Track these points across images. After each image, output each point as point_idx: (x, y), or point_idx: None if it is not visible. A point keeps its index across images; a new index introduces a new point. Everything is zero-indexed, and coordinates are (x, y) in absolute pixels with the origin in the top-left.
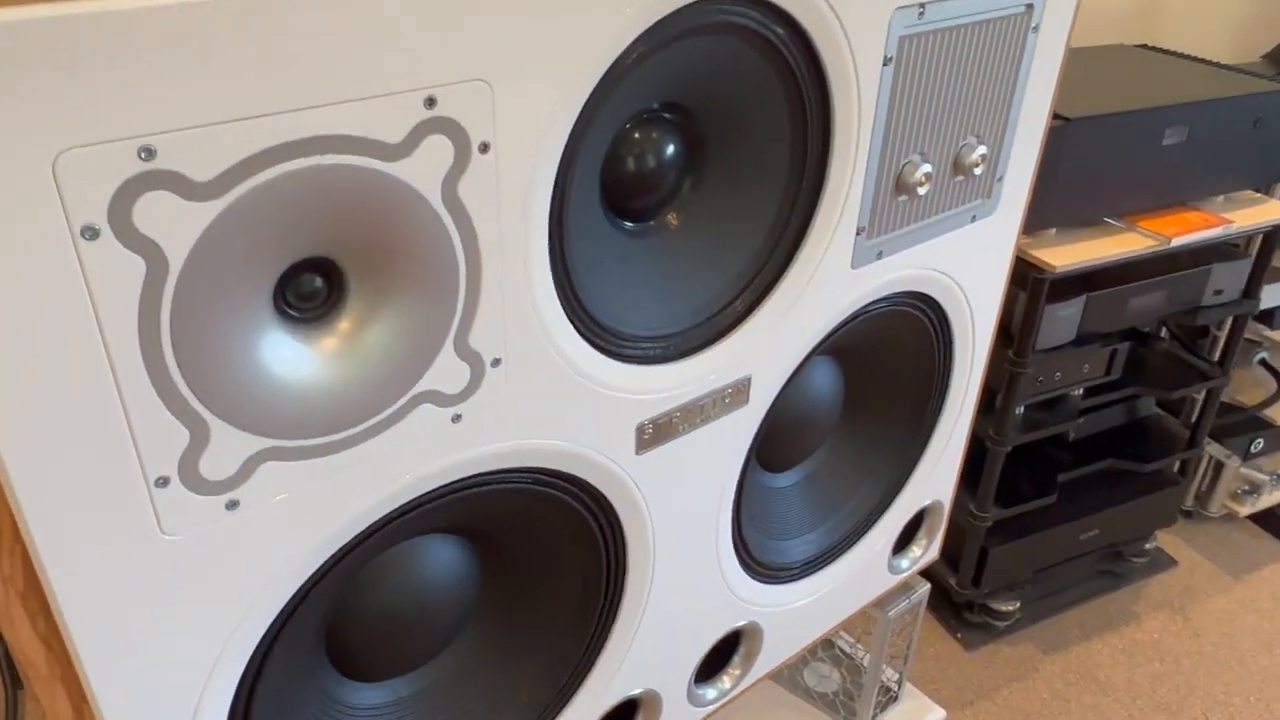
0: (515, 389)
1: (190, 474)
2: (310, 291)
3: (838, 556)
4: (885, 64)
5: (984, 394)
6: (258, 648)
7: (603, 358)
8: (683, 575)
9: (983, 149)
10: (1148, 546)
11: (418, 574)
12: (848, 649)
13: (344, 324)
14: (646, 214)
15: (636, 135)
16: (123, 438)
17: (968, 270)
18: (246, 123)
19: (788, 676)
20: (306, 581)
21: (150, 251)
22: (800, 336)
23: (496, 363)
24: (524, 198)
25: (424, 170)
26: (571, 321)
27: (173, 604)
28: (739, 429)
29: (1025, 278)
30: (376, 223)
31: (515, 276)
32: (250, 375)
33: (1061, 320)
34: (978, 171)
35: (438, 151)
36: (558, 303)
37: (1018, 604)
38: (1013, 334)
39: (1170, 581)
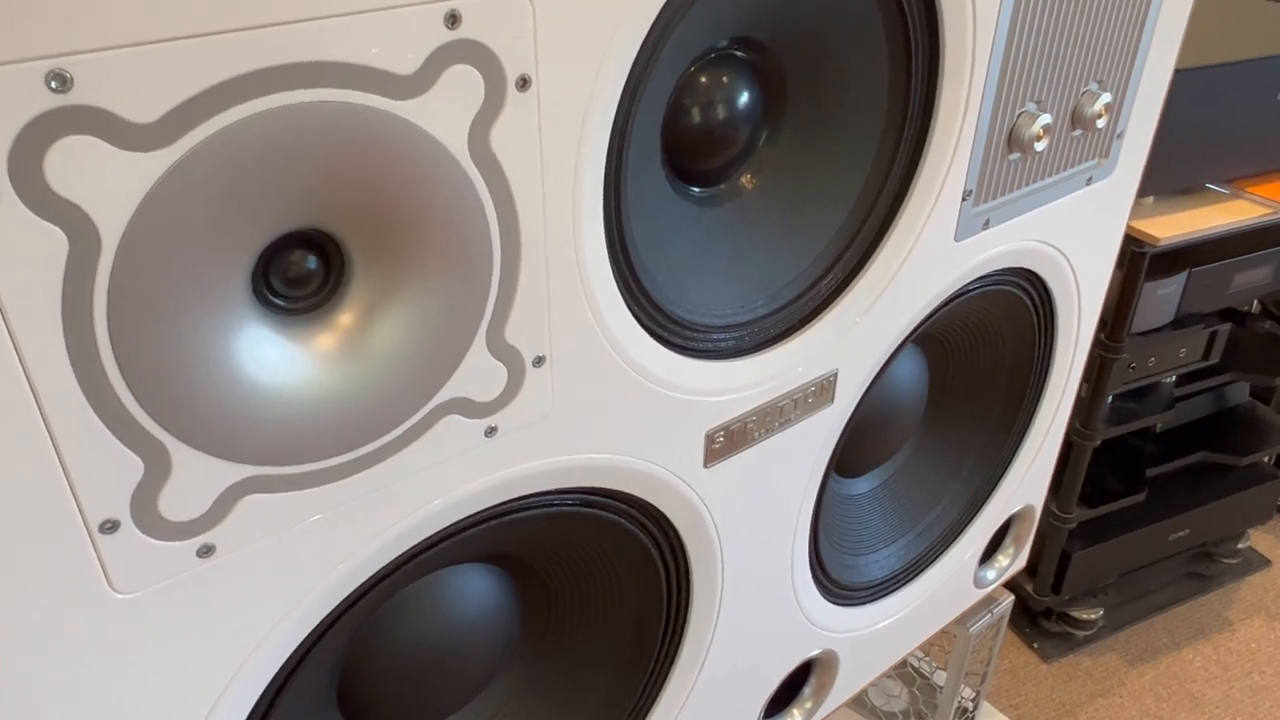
0: (562, 393)
1: (147, 514)
2: (302, 275)
3: (921, 571)
4: None
5: None
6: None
7: (668, 353)
8: (754, 604)
9: (1107, 97)
10: (1240, 546)
11: (445, 610)
12: (917, 664)
13: (346, 317)
14: (716, 176)
15: (703, 80)
16: (50, 472)
17: (1078, 242)
18: (202, 41)
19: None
20: (307, 638)
21: (73, 221)
22: (894, 322)
23: (539, 361)
24: (574, 149)
25: (445, 112)
26: (631, 309)
27: (135, 679)
28: (821, 433)
29: (1122, 252)
30: (384, 183)
31: (563, 252)
32: (222, 385)
33: (1160, 300)
34: (1100, 124)
35: (463, 87)
36: (615, 286)
37: (1100, 611)
38: (1105, 317)
39: (1264, 584)
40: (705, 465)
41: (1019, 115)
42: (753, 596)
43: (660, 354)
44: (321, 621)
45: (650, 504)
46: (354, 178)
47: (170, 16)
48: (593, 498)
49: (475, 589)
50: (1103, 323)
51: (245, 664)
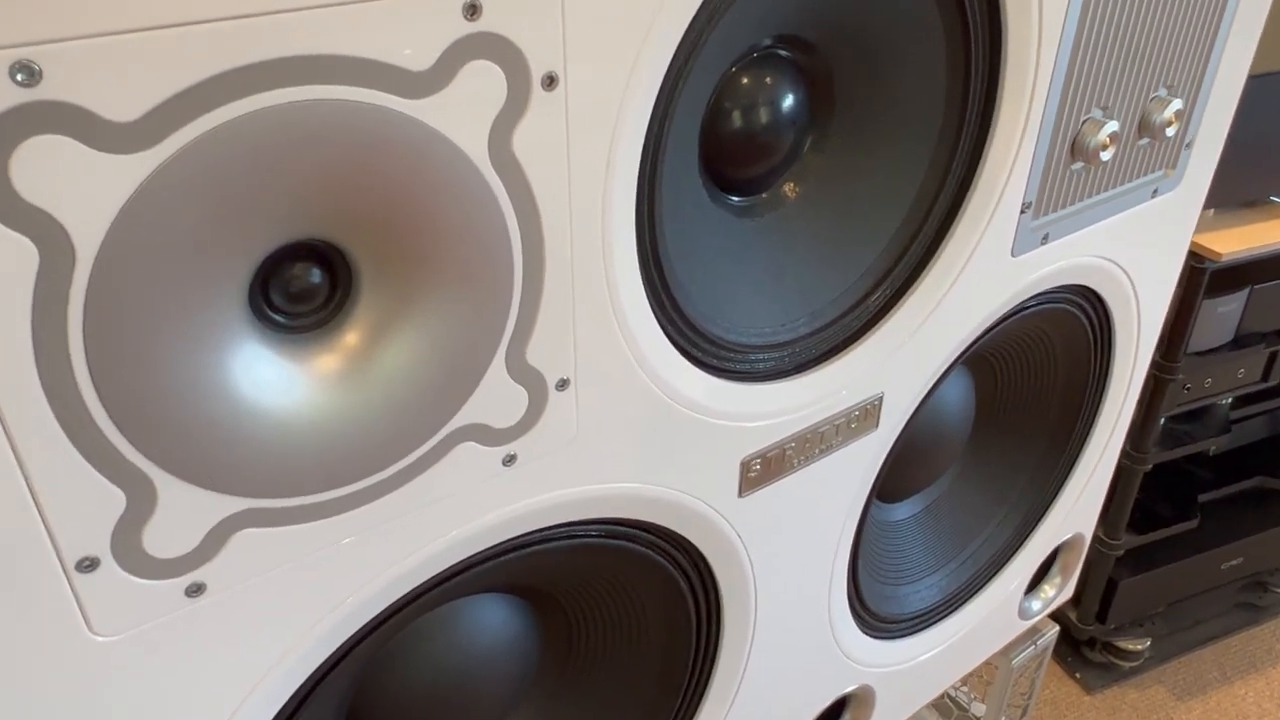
0: (587, 419)
1: (129, 551)
2: (305, 290)
3: (963, 603)
4: None
5: None
6: None
7: (702, 374)
8: (787, 639)
9: (1177, 104)
10: None
11: (462, 640)
12: (955, 695)
13: (352, 336)
14: (757, 185)
15: (746, 81)
16: (21, 504)
17: (1140, 259)
18: (189, 31)
19: None
20: (309, 678)
21: (44, 230)
22: (945, 342)
23: (563, 384)
24: (605, 154)
25: (463, 112)
26: (663, 328)
27: None
28: (864, 460)
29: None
30: (394, 190)
31: (591, 266)
32: (213, 411)
33: (1220, 318)
34: (1170, 132)
35: (483, 85)
36: (646, 303)
37: (1147, 641)
38: (1160, 334)
39: None
40: (740, 494)
41: (1084, 122)
42: (787, 631)
43: (694, 376)
44: (325, 661)
45: (680, 535)
46: (361, 184)
47: (153, 3)
48: (619, 528)
49: (494, 619)
50: (1159, 340)
51: (239, 709)
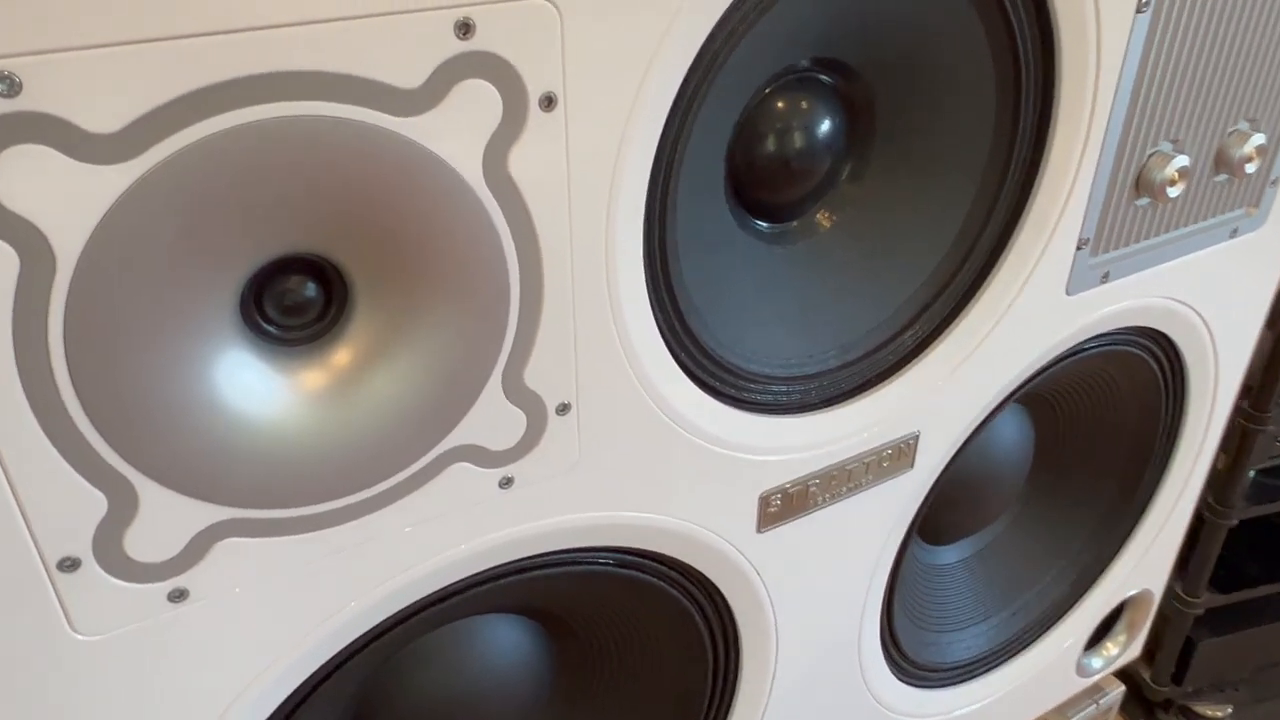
0: (591, 445)
1: (111, 554)
2: (298, 303)
3: (1014, 655)
4: (1140, 10)
5: None
6: None
7: (717, 404)
8: (814, 679)
9: (1259, 139)
10: None
11: (469, 660)
12: None
13: (344, 350)
14: (789, 212)
15: (779, 104)
16: (3, 504)
17: (1217, 302)
18: (172, 45)
19: None
20: (298, 690)
21: (25, 238)
22: (991, 382)
23: (564, 409)
24: (608, 178)
25: (456, 131)
26: (674, 355)
27: None
28: (898, 501)
29: (1273, 309)
30: (385, 207)
31: (592, 291)
32: (197, 420)
33: None
34: (1250, 169)
35: (477, 105)
36: (655, 329)
37: (1229, 709)
38: (1249, 382)
39: None
40: (758, 530)
41: (1150, 155)
42: (813, 674)
43: (708, 406)
44: (316, 673)
45: (694, 568)
46: (351, 200)
47: (135, 18)
48: (630, 558)
49: (505, 640)
50: (1246, 389)
51: (223, 716)
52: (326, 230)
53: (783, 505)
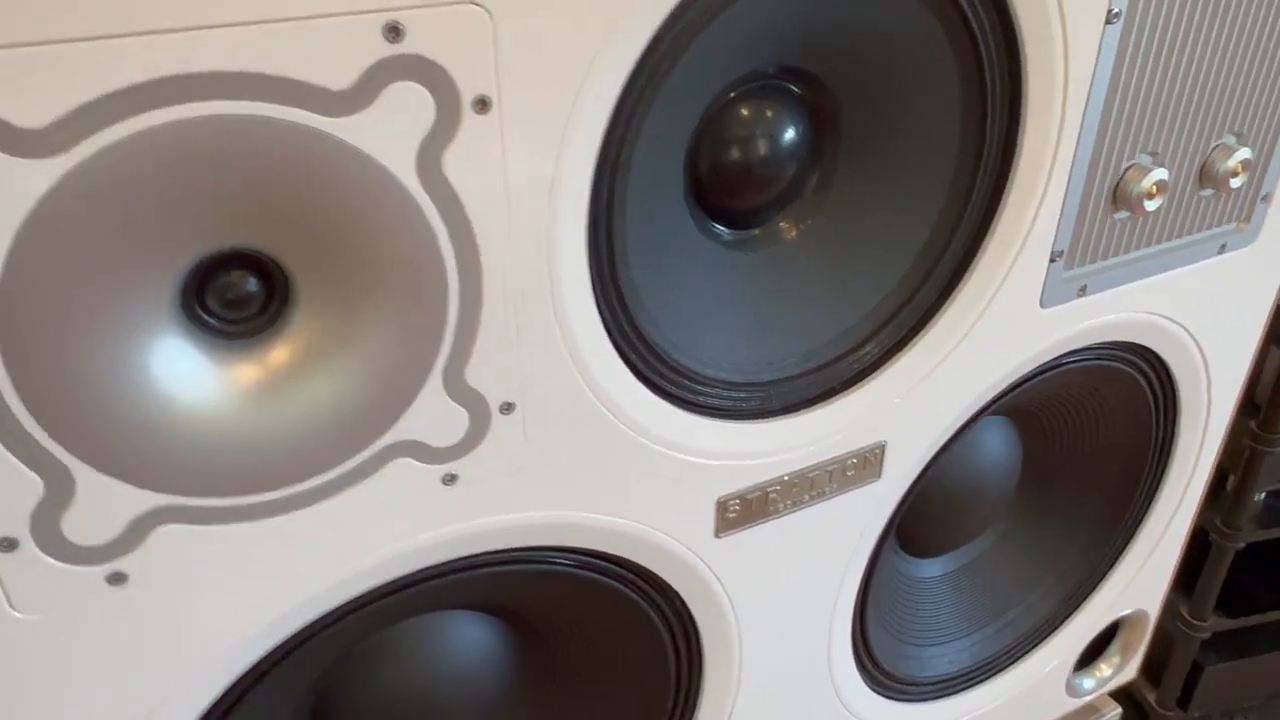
0: (538, 445)
1: (48, 535)
2: (240, 297)
3: (998, 672)
4: (1110, 20)
5: (1213, 474)
6: None
7: (671, 408)
8: (782, 690)
9: (1246, 154)
10: None
11: (430, 656)
12: None
13: (283, 344)
14: (753, 219)
15: (742, 111)
16: None
17: (1208, 319)
18: (102, 44)
19: None
20: (244, 677)
21: None
22: (961, 394)
23: (508, 408)
24: (548, 181)
25: (388, 132)
26: (624, 358)
27: (40, 706)
28: (867, 510)
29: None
30: (320, 205)
31: (534, 293)
32: (133, 408)
33: None
34: (1235, 184)
35: (409, 106)
36: (603, 331)
37: None
38: (1258, 402)
39: None
40: (717, 535)
41: (1127, 168)
42: (780, 682)
43: (661, 409)
44: (261, 660)
45: (652, 572)
46: (285, 198)
47: (63, 17)
48: (584, 559)
49: (467, 639)
50: (1255, 408)
51: (165, 699)
52: (263, 227)
53: (742, 511)
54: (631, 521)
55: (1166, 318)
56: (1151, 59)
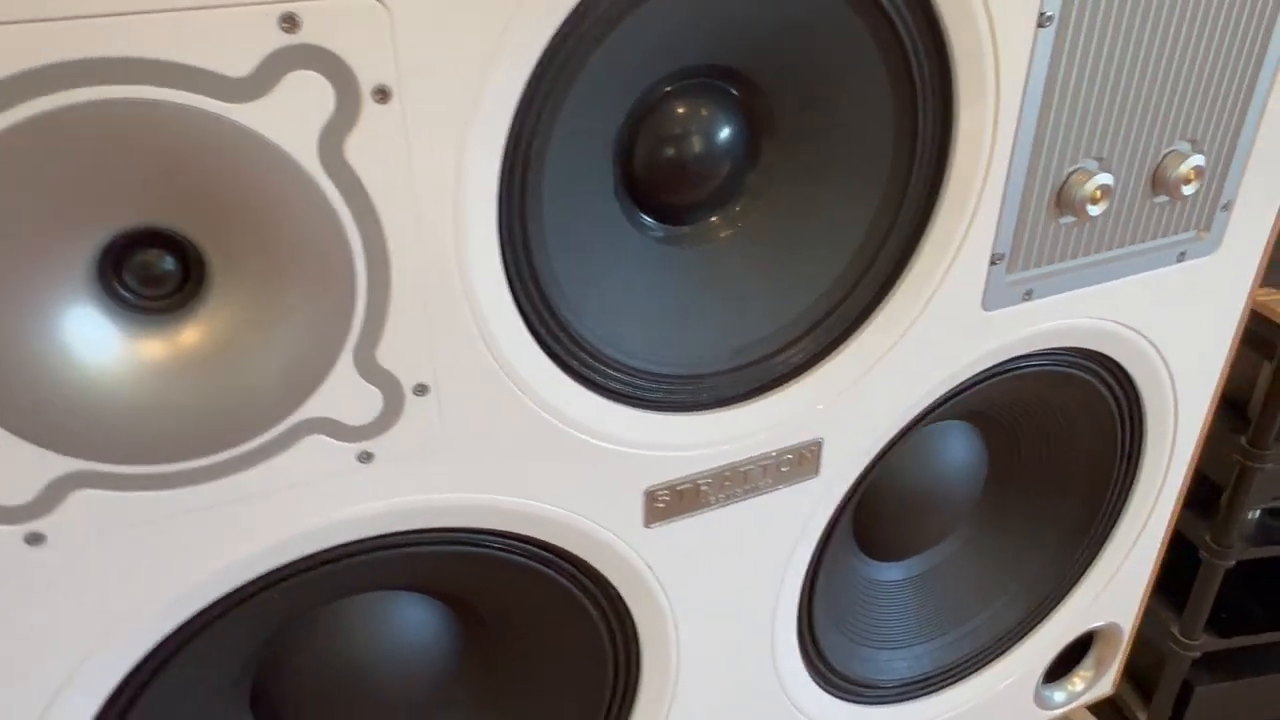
0: (455, 427)
1: None
2: (155, 275)
3: (961, 679)
4: (1042, 24)
5: (1204, 490)
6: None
7: (594, 396)
8: (725, 686)
9: (1197, 160)
10: None
11: (370, 635)
12: None
13: (196, 321)
14: (688, 214)
15: (676, 109)
16: None
17: (1170, 328)
18: (6, 30)
19: None
20: (166, 643)
21: None
22: (901, 394)
23: (421, 390)
24: (453, 170)
25: (288, 119)
26: (543, 345)
27: None
28: (807, 507)
29: (1269, 341)
30: (226, 188)
31: (443, 278)
32: (45, 375)
33: None
34: (1188, 190)
35: (309, 95)
36: (518, 318)
37: None
38: (1250, 416)
39: None
40: (647, 525)
41: (1071, 172)
42: (722, 678)
43: (583, 397)
44: (183, 627)
45: (583, 560)
46: (193, 180)
47: None
48: (511, 542)
49: (410, 621)
50: (1245, 422)
51: (86, 660)
52: (174, 208)
53: (672, 502)
54: (555, 507)
55: (1125, 325)
56: (1090, 64)
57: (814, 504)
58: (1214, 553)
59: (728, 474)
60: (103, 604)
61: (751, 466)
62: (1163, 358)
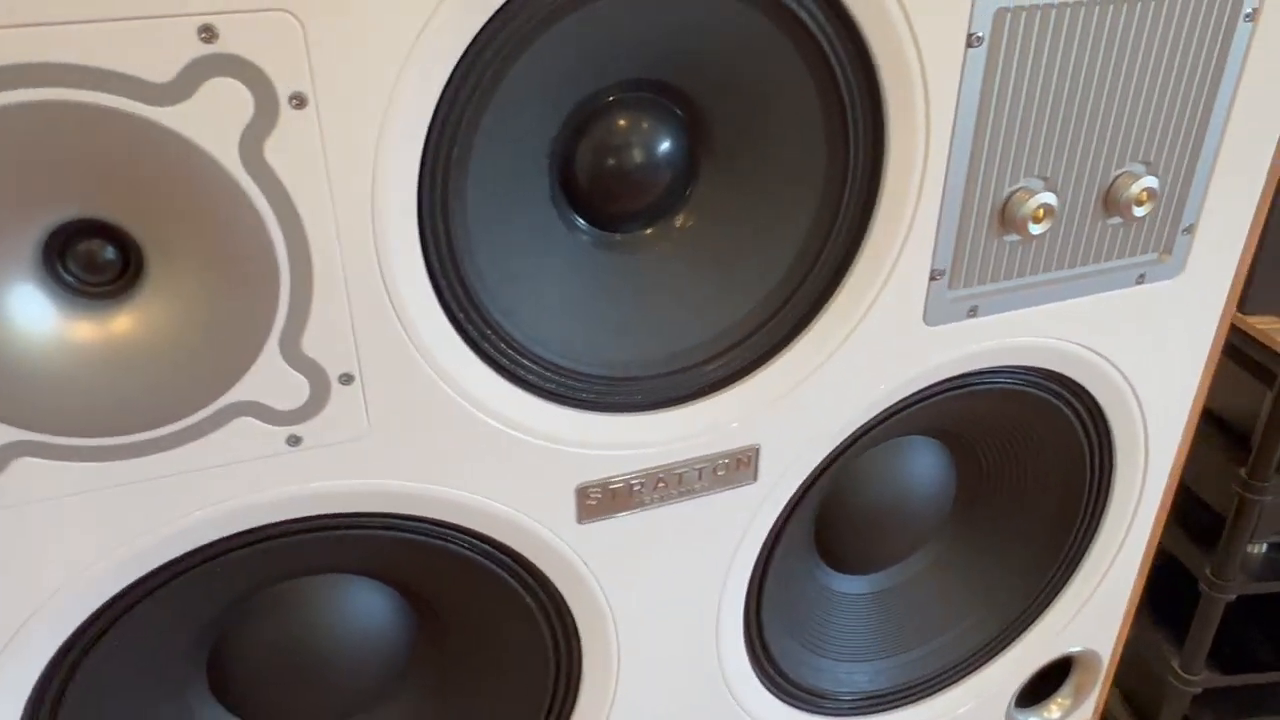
0: (382, 416)
1: None
2: (95, 263)
3: (921, 697)
4: (972, 45)
5: (1207, 520)
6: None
7: (522, 393)
8: (670, 689)
9: (1150, 182)
10: None
11: (320, 616)
12: None
13: (135, 302)
14: (627, 222)
15: (615, 120)
16: None
17: (1136, 352)
18: None
19: None
20: (106, 609)
21: None
22: (844, 405)
23: (347, 379)
24: (369, 172)
25: (210, 122)
26: (469, 342)
27: None
28: (747, 512)
29: (1273, 374)
30: (159, 186)
31: (364, 274)
32: None
33: None
34: (1139, 212)
35: (229, 100)
36: (442, 315)
37: None
38: (1252, 444)
39: None
40: (580, 521)
41: (1014, 191)
42: (666, 680)
43: (511, 394)
44: (121, 596)
45: (519, 553)
46: (126, 177)
47: None
48: (445, 531)
49: (361, 606)
50: (1245, 454)
51: (26, 623)
52: (110, 202)
53: (604, 500)
54: (487, 499)
55: (1086, 347)
56: (1028, 84)
57: (754, 510)
58: (1214, 585)
59: (661, 475)
60: (42, 570)
61: (686, 469)
62: (1129, 383)
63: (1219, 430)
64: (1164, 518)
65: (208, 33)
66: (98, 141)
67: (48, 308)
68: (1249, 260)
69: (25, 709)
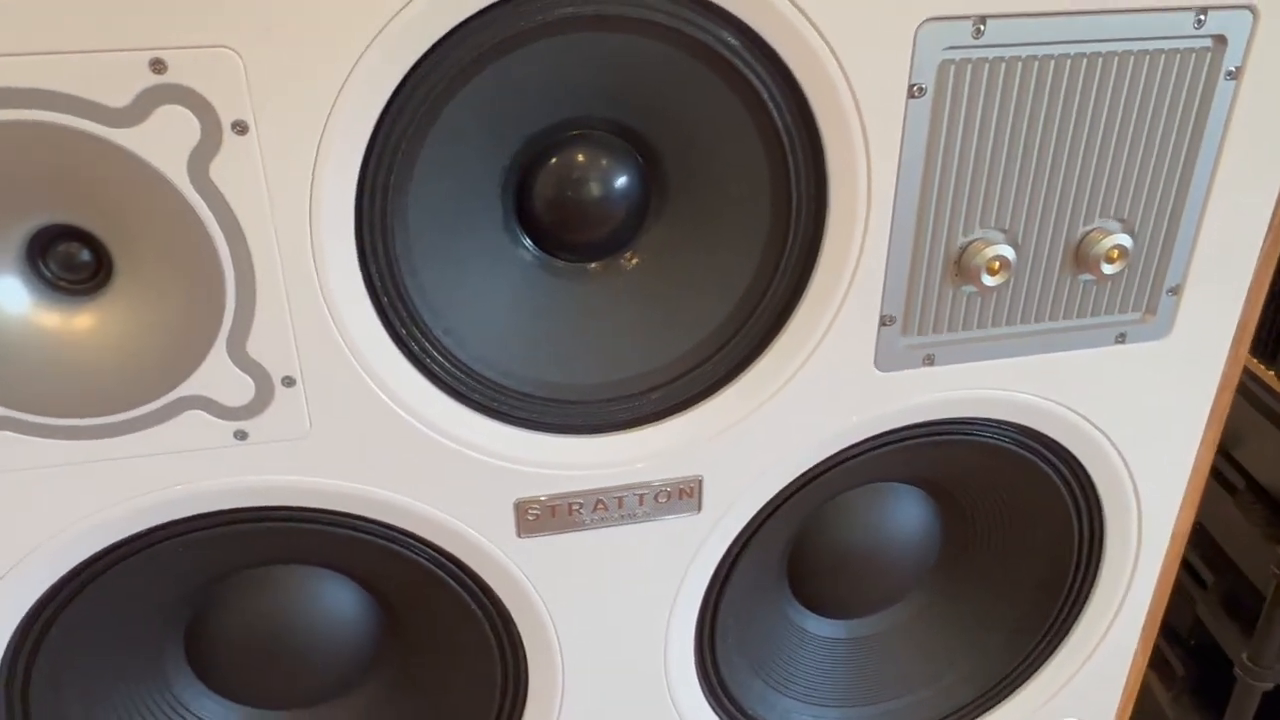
0: (324, 418)
1: None
2: (76, 263)
3: None
4: (914, 95)
5: (1250, 601)
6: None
7: (459, 406)
8: (616, 703)
9: (1123, 239)
10: None
11: (288, 603)
12: None
13: (102, 301)
14: (579, 251)
15: (575, 156)
16: None
17: (1118, 412)
18: None
19: None
20: (78, 570)
21: None
22: (792, 444)
23: (289, 382)
24: (306, 194)
25: (161, 144)
26: (408, 355)
27: None
28: (692, 541)
29: None
30: (120, 199)
31: (304, 287)
32: None
33: None
34: (1109, 270)
35: (177, 124)
36: (379, 326)
37: None
38: None
39: None
40: (519, 535)
41: (969, 241)
42: (616, 697)
43: (448, 406)
44: (85, 565)
45: (461, 560)
46: (93, 189)
47: None
48: (390, 532)
49: (325, 598)
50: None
51: (5, 576)
52: (79, 211)
53: (543, 516)
54: (428, 506)
55: (1062, 405)
56: (977, 136)
57: (700, 540)
58: (1249, 672)
59: (601, 498)
60: (10, 533)
61: (626, 494)
62: (1115, 447)
63: (1262, 502)
64: (1166, 592)
65: (158, 65)
66: (66, 157)
67: (28, 300)
68: (1253, 325)
69: (3, 658)
